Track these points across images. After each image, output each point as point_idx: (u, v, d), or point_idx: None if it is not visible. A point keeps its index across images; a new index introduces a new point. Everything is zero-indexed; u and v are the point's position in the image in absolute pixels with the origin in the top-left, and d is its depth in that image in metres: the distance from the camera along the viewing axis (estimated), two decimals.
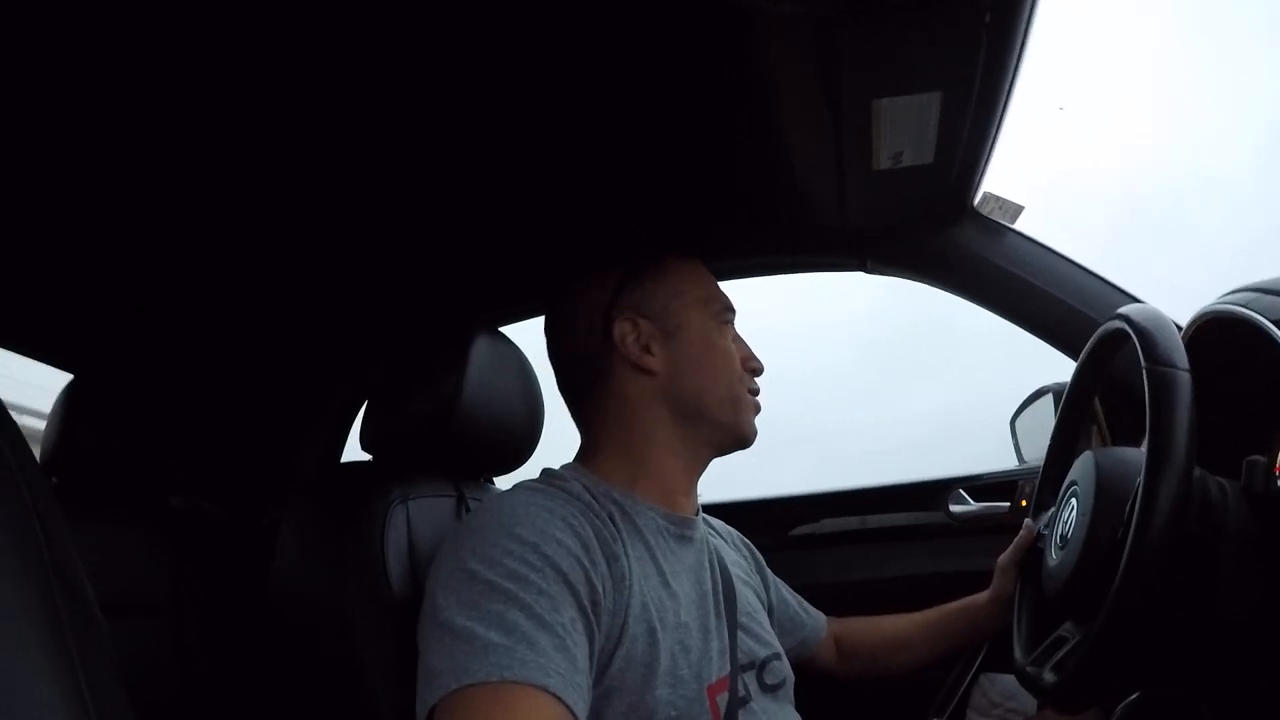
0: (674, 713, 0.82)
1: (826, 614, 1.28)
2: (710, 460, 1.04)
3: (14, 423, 0.49)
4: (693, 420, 0.99)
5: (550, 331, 1.06)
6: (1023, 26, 0.89)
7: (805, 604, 1.26)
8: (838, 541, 1.59)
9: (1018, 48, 0.93)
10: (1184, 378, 0.75)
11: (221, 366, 1.54)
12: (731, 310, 1.06)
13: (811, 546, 1.59)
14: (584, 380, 1.02)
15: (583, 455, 1.02)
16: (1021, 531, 1.15)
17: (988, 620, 1.19)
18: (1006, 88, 1.00)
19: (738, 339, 1.06)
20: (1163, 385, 0.75)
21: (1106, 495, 0.85)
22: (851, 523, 1.59)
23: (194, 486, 1.48)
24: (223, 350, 1.49)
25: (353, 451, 1.71)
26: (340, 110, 0.94)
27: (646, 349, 0.99)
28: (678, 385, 0.99)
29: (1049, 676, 0.83)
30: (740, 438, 1.03)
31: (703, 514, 1.07)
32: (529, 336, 1.15)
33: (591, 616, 0.78)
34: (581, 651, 0.75)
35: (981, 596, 1.20)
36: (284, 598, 0.96)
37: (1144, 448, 0.76)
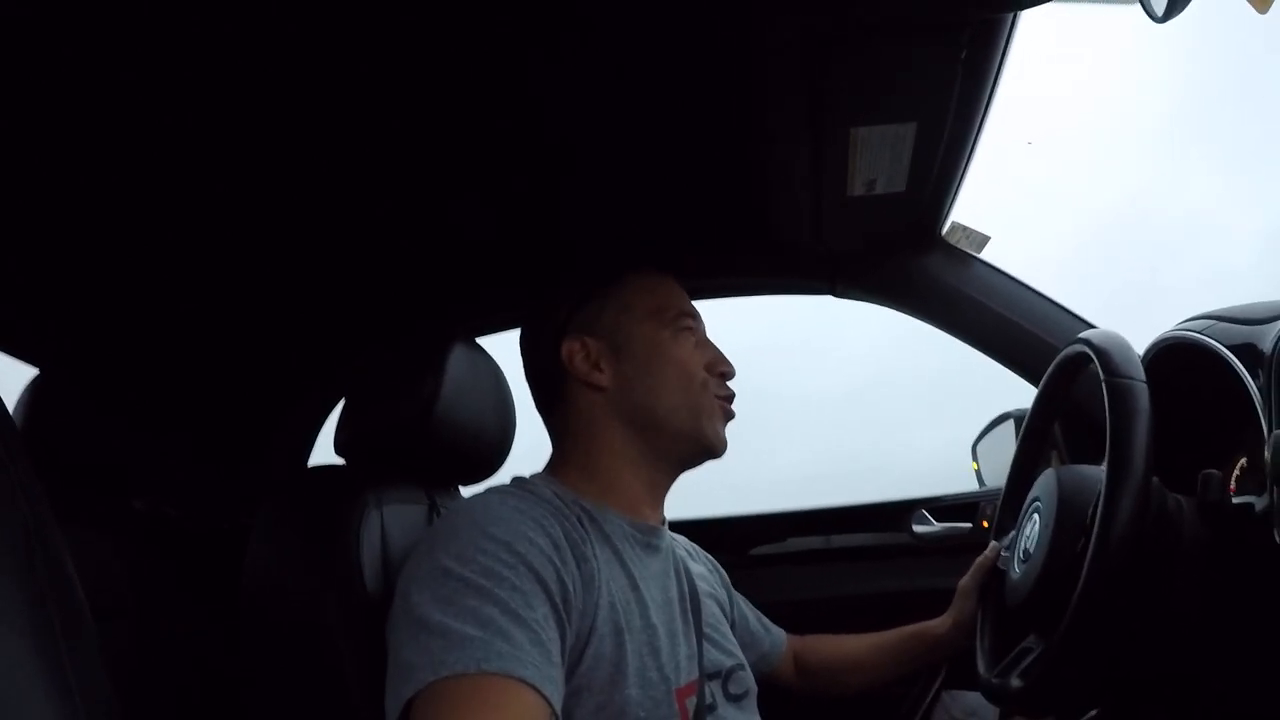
0: (643, 713, 0.83)
1: (789, 631, 1.29)
2: (676, 472, 1.05)
3: (11, 421, 0.48)
4: (650, 432, 1.00)
5: (521, 350, 1.09)
6: (996, 63, 0.93)
7: (765, 621, 1.27)
8: (802, 560, 1.61)
9: (991, 83, 0.97)
10: (1141, 388, 0.78)
11: (191, 367, 1.52)
12: (689, 315, 1.05)
13: (775, 564, 1.60)
14: (547, 397, 1.05)
15: (552, 466, 1.03)
16: (986, 552, 1.17)
17: (945, 643, 1.20)
18: (978, 121, 1.04)
19: (704, 345, 1.06)
20: (1122, 395, 0.78)
21: (1068, 509, 0.88)
22: (815, 542, 1.61)
23: (157, 488, 1.45)
24: (193, 350, 1.47)
25: (319, 456, 1.70)
26: (321, 116, 0.95)
27: (596, 366, 1.00)
28: (629, 399, 1.00)
29: (1015, 682, 0.85)
30: (705, 447, 1.02)
31: (668, 529, 1.08)
32: (504, 348, 1.16)
33: (563, 613, 0.79)
34: (555, 647, 0.76)
35: (940, 621, 1.21)
36: (256, 601, 0.95)
37: (1104, 462, 0.79)
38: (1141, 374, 0.79)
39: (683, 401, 0.99)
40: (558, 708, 0.73)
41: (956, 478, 1.64)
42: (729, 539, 1.58)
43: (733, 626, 1.16)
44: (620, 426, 1.00)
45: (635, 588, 0.91)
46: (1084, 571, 0.75)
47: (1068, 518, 0.87)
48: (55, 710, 0.42)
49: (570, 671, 0.81)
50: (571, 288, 1.05)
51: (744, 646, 1.17)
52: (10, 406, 1.27)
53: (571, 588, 0.81)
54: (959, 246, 1.35)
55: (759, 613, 1.27)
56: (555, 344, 1.01)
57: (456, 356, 1.04)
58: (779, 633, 1.28)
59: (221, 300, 1.34)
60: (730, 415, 1.04)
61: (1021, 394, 1.35)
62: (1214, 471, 0.79)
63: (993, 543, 1.16)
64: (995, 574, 1.13)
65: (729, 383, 1.05)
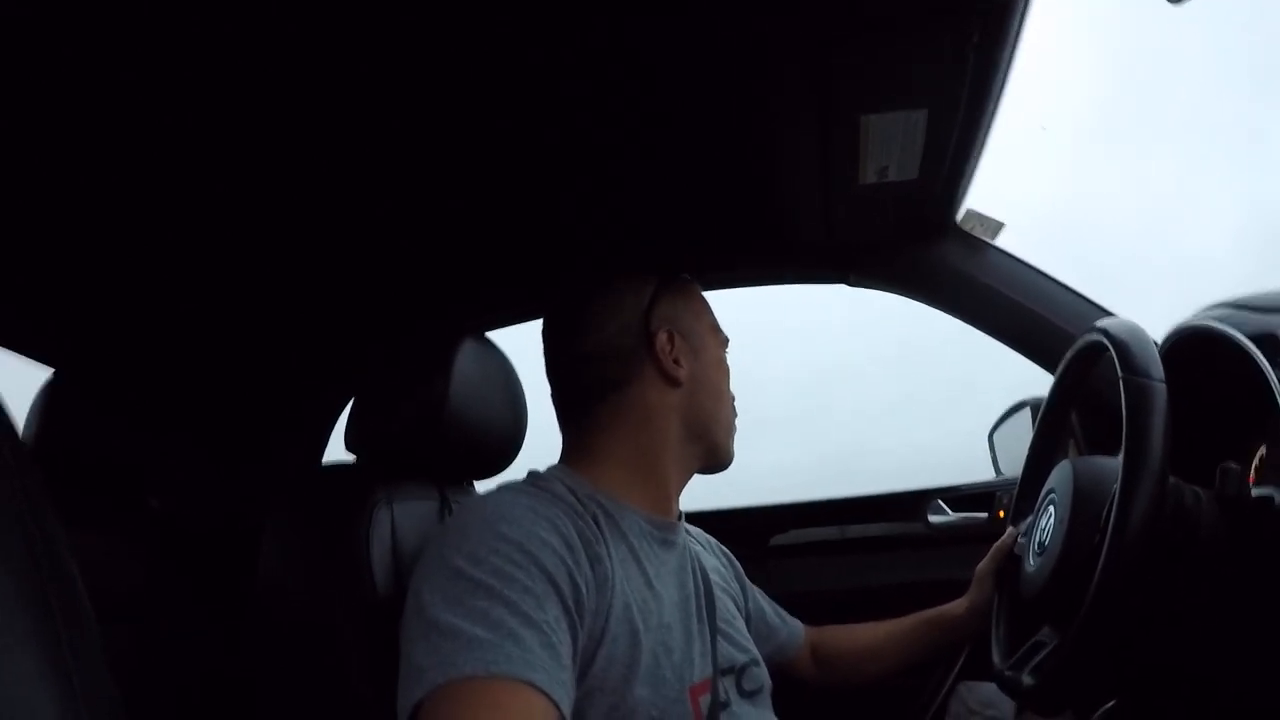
0: (655, 713, 0.83)
1: (805, 623, 1.29)
2: (692, 474, 1.07)
3: (10, 417, 0.48)
4: (697, 437, 1.03)
5: (563, 329, 1.04)
6: (1009, 48, 0.92)
7: (782, 612, 1.27)
8: (817, 551, 1.61)
9: (1004, 68, 0.95)
10: (1160, 388, 0.77)
11: (203, 367, 1.53)
12: (728, 341, 1.12)
13: (791, 556, 1.60)
14: (598, 382, 1.00)
15: (574, 459, 1.00)
16: (1004, 536, 1.17)
17: (962, 628, 1.20)
18: (991, 107, 1.03)
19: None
20: (1139, 395, 0.77)
21: (1083, 502, 0.87)
22: (831, 533, 1.60)
23: (171, 487, 1.47)
24: (205, 351, 1.48)
25: (332, 454, 1.71)
26: (326, 114, 0.95)
27: (677, 360, 1.01)
28: (696, 401, 1.02)
29: (1028, 680, 0.85)
30: (726, 461, 1.08)
31: (684, 522, 1.08)
32: (514, 343, 1.16)
33: (575, 615, 0.79)
34: (565, 649, 0.76)
35: (956, 605, 1.21)
36: (268, 600, 0.95)
37: (1120, 456, 0.78)
38: (1160, 371, 0.78)
39: (728, 417, 1.07)
40: (567, 712, 0.72)
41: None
42: (745, 530, 1.57)
43: (748, 619, 1.16)
44: (678, 424, 1.01)
45: (650, 585, 0.90)
46: (1099, 568, 0.74)
47: (1083, 511, 0.86)
48: (59, 715, 0.42)
49: (583, 672, 0.80)
50: (657, 274, 1.06)
51: (761, 638, 1.17)
52: (25, 409, 1.30)
53: (584, 588, 0.81)
54: (973, 234, 1.34)
55: (775, 604, 1.26)
56: (643, 328, 1.01)
57: (467, 352, 1.04)
58: (796, 624, 1.27)
59: (232, 301, 1.35)
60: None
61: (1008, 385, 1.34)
62: (1233, 465, 0.77)
63: (1010, 528, 1.16)
64: (1012, 559, 1.13)
65: None
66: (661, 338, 1.00)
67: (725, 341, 1.11)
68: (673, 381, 1.00)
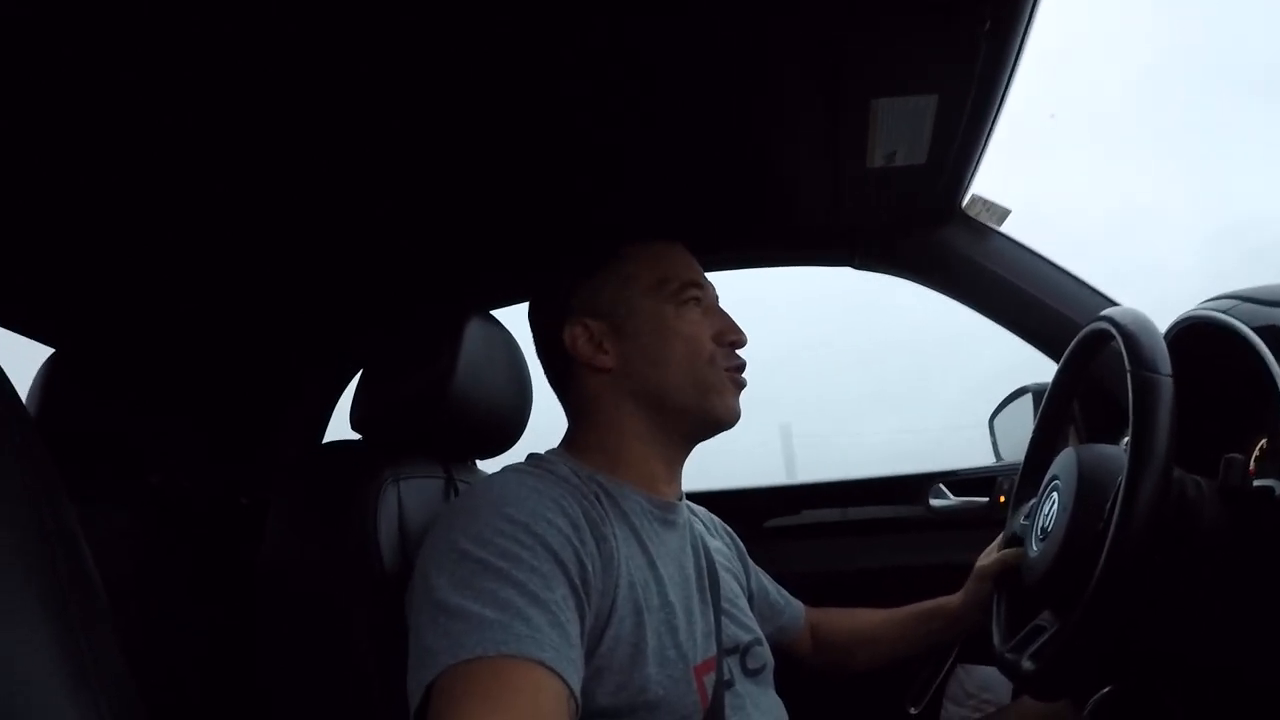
0: (662, 691, 0.84)
1: (806, 604, 1.30)
2: (689, 446, 1.05)
3: (16, 394, 0.49)
4: (658, 410, 0.99)
5: (530, 328, 1.09)
6: (1020, 35, 0.91)
7: (784, 592, 1.27)
8: (817, 533, 1.61)
9: (1014, 55, 0.95)
10: (1167, 383, 0.77)
11: (205, 343, 1.53)
12: (695, 285, 1.02)
13: (790, 537, 1.61)
14: (557, 378, 1.05)
15: (567, 443, 1.03)
16: (1009, 554, 1.12)
17: (959, 623, 1.20)
18: (1001, 93, 1.02)
19: (714, 313, 1.04)
20: (1146, 390, 0.77)
21: (1087, 490, 0.88)
22: (832, 514, 1.61)
23: (172, 464, 1.47)
24: (207, 327, 1.48)
25: (334, 431, 1.72)
26: (331, 93, 0.94)
27: (600, 347, 0.99)
28: (635, 378, 0.99)
29: (1027, 664, 0.85)
30: (713, 421, 1.00)
31: (686, 501, 1.08)
32: (521, 321, 1.16)
33: (582, 595, 0.79)
34: (574, 628, 0.76)
35: (954, 599, 1.20)
36: (273, 575, 0.96)
37: (1123, 445, 0.79)
38: (1168, 365, 0.78)
39: (688, 378, 0.98)
40: (577, 690, 0.73)
41: None
42: (744, 511, 1.58)
43: (751, 599, 1.17)
44: (629, 406, 0.99)
45: (653, 566, 0.91)
46: (1103, 558, 0.75)
47: (1087, 500, 0.87)
48: (73, 698, 0.42)
49: (590, 652, 0.81)
50: (572, 265, 1.04)
51: (763, 618, 1.18)
52: (25, 388, 1.30)
53: (591, 568, 0.81)
54: (979, 220, 1.34)
55: (778, 584, 1.27)
56: (558, 328, 1.01)
57: (472, 330, 1.04)
58: (797, 605, 1.28)
59: (235, 277, 1.35)
60: (741, 385, 1.02)
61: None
62: (1236, 455, 0.78)
63: (1015, 549, 1.13)
64: (1015, 541, 1.12)
65: (740, 351, 1.03)
66: (572, 332, 1.00)
67: (682, 288, 1.00)
68: (600, 368, 0.99)
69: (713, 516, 1.23)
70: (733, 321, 1.03)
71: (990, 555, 1.18)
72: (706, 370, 0.99)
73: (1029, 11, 0.88)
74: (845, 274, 1.50)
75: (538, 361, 1.10)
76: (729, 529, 1.24)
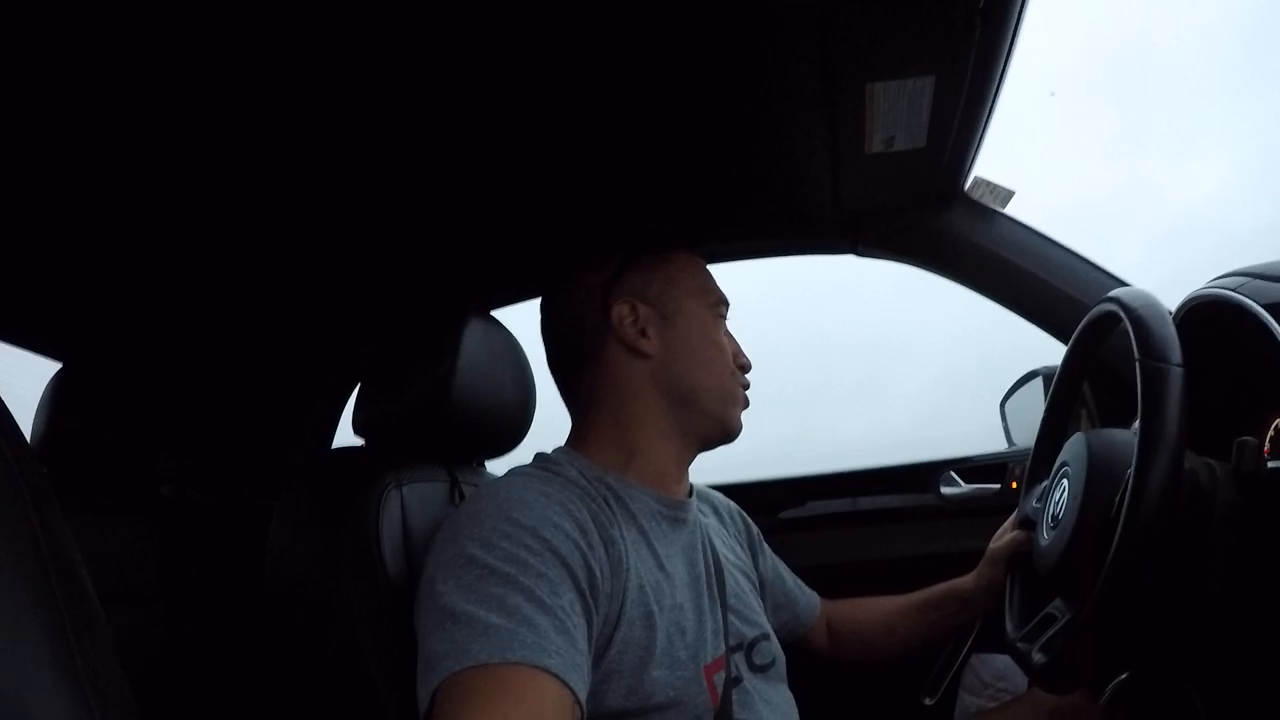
0: (672, 693, 0.83)
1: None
2: (698, 450, 1.04)
3: (7, 410, 0.48)
4: (683, 407, 1.00)
5: (545, 309, 1.07)
6: (1016, 11, 0.90)
7: (800, 582, 1.27)
8: (828, 524, 1.60)
9: (1011, 33, 0.93)
10: (1177, 373, 0.75)
11: (211, 353, 1.53)
12: (726, 304, 1.07)
13: (802, 529, 1.60)
14: (576, 360, 1.03)
15: (574, 439, 1.02)
16: (1020, 536, 1.13)
17: (974, 604, 1.19)
18: (999, 73, 1.00)
19: (729, 335, 1.07)
20: (1156, 380, 0.76)
21: (1098, 477, 0.86)
22: (842, 505, 1.60)
23: (183, 474, 1.47)
24: (212, 337, 1.48)
25: (342, 437, 1.72)
26: (333, 96, 0.94)
27: (642, 332, 0.99)
28: (671, 370, 0.99)
29: (1038, 657, 0.84)
30: (727, 431, 1.03)
31: (696, 491, 1.08)
32: (521, 321, 1.15)
33: (590, 600, 0.79)
34: (580, 634, 0.76)
35: (966, 581, 1.20)
36: (278, 584, 0.96)
37: (1134, 430, 0.77)
38: (1178, 354, 0.76)
39: (717, 384, 1.01)
40: (583, 697, 0.72)
41: None
42: (755, 503, 1.57)
43: (763, 586, 1.16)
44: (656, 396, 0.99)
45: (662, 567, 0.90)
46: (1113, 549, 0.73)
47: (1098, 487, 0.85)
48: (70, 713, 0.42)
49: (600, 656, 0.81)
50: (624, 247, 1.04)
51: (778, 607, 1.17)
52: (34, 402, 1.30)
53: (599, 573, 0.81)
54: (983, 202, 1.32)
55: (794, 575, 1.26)
56: (603, 303, 1.00)
57: (472, 331, 1.03)
58: (813, 596, 1.28)
59: (238, 287, 1.35)
60: (748, 404, 1.05)
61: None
62: (1249, 439, 0.76)
63: (1020, 532, 1.13)
64: (1027, 524, 1.11)
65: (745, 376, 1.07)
66: (620, 309, 1.00)
67: (718, 304, 1.06)
68: (640, 353, 0.99)
69: (728, 502, 1.22)
70: (740, 347, 1.07)
71: (1003, 537, 1.17)
72: (731, 382, 1.02)
73: None
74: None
75: (540, 362, 1.09)
76: (742, 513, 1.23)
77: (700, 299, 1.03)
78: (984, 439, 1.59)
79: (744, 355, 1.06)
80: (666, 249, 1.06)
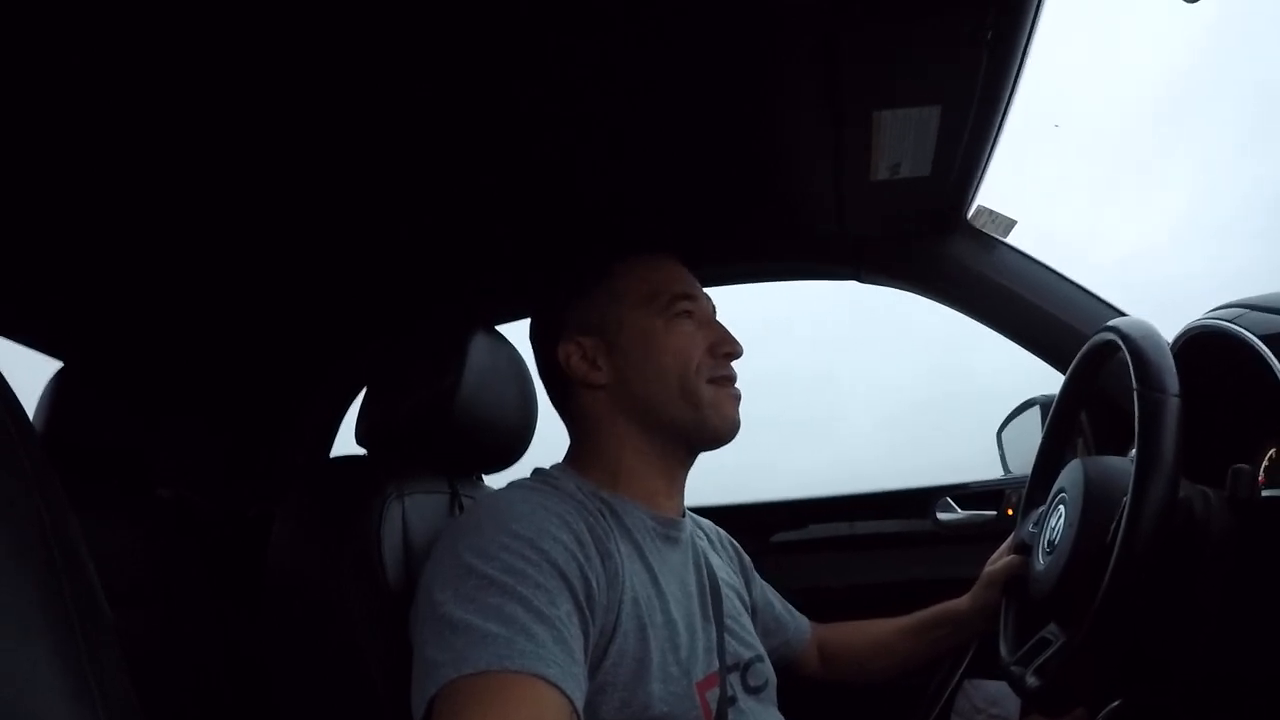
0: (666, 708, 0.83)
1: (812, 619, 1.29)
2: (688, 460, 1.04)
3: (19, 404, 0.49)
4: (652, 425, 0.99)
5: (531, 345, 1.09)
6: (1023, 45, 0.91)
7: (790, 607, 1.27)
8: (825, 547, 1.60)
9: (1017, 65, 0.95)
10: (1174, 403, 0.76)
11: (212, 357, 1.53)
12: (687, 297, 1.01)
13: (798, 552, 1.60)
14: (555, 397, 1.06)
15: (569, 458, 1.04)
16: (1016, 560, 1.12)
17: (968, 626, 1.19)
18: (1004, 104, 1.02)
19: (708, 325, 1.03)
20: (1154, 410, 0.77)
21: (1094, 503, 0.87)
22: (840, 529, 1.60)
23: (182, 474, 1.48)
24: (214, 341, 1.49)
25: (342, 446, 1.72)
26: (339, 105, 0.95)
27: (593, 364, 0.99)
28: (628, 393, 0.99)
29: (1031, 681, 0.85)
30: (710, 433, 0.99)
31: (690, 515, 1.08)
32: (525, 336, 1.16)
33: (587, 611, 0.79)
34: (578, 644, 0.76)
35: (961, 603, 1.20)
36: (279, 589, 0.96)
37: (1130, 459, 0.78)
38: (1175, 384, 0.77)
39: (676, 392, 0.97)
40: (580, 706, 0.72)
41: None
42: (751, 526, 1.57)
43: (754, 612, 1.16)
44: (624, 422, 0.99)
45: (655, 582, 0.91)
46: (1108, 575, 0.74)
47: (1094, 514, 0.86)
48: (74, 712, 0.42)
49: (594, 668, 0.81)
50: (566, 283, 1.04)
51: (768, 633, 1.17)
52: (34, 402, 1.31)
53: (595, 584, 0.81)
54: (985, 231, 1.34)
55: (783, 599, 1.27)
56: (553, 347, 1.01)
57: (477, 345, 1.04)
58: (803, 620, 1.27)
59: (241, 291, 1.35)
60: (737, 397, 1.02)
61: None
62: (1244, 466, 0.77)
63: (1019, 557, 1.13)
64: (1023, 549, 1.12)
65: (735, 362, 1.02)
66: (565, 350, 1.00)
67: (673, 301, 1.00)
68: (595, 385, 0.99)
69: (718, 530, 1.22)
70: (727, 333, 1.02)
71: (999, 561, 1.17)
72: (694, 381, 0.97)
73: (1031, 19, 0.88)
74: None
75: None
76: (734, 542, 1.23)
77: (646, 306, 1.00)
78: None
79: (730, 343, 1.01)
80: (608, 265, 1.03)
